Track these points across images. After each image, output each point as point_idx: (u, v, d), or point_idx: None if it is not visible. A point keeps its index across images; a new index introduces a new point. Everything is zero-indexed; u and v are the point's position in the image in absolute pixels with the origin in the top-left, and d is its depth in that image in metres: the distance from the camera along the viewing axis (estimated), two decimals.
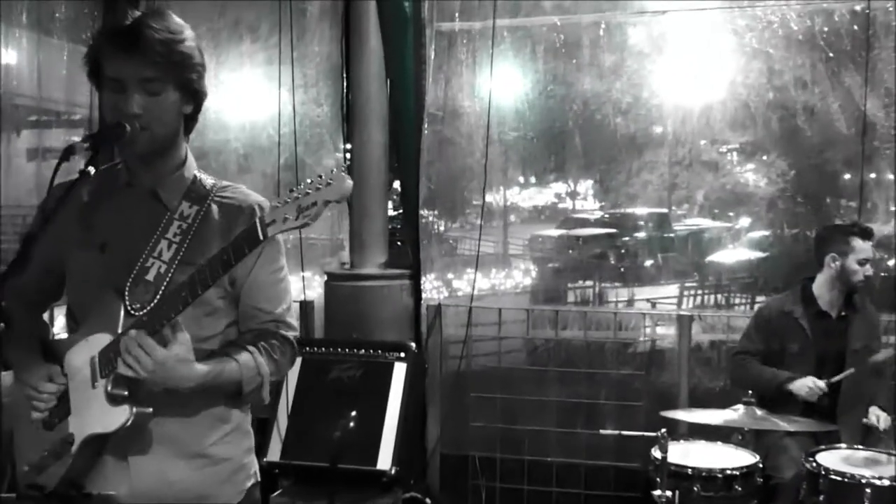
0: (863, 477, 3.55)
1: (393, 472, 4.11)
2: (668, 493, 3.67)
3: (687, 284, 7.13)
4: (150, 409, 2.06)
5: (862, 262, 4.20)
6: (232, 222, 2.16)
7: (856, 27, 4.74)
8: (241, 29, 5.25)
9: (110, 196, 2.21)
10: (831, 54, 4.91)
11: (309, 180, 1.88)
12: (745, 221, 6.27)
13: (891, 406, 4.17)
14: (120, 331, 2.04)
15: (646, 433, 3.79)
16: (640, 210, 6.99)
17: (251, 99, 5.32)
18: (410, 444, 4.53)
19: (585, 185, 6.92)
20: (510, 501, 5.07)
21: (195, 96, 2.18)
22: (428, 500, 4.64)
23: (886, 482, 3.52)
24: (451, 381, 5.13)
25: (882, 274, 5.11)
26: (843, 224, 4.48)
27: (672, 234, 6.66)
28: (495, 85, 5.13)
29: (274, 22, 4.94)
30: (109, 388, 2.03)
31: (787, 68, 5.04)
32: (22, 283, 2.20)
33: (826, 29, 4.82)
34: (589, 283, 7.20)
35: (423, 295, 5.13)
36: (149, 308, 2.04)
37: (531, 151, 5.75)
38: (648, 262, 6.46)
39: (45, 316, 2.44)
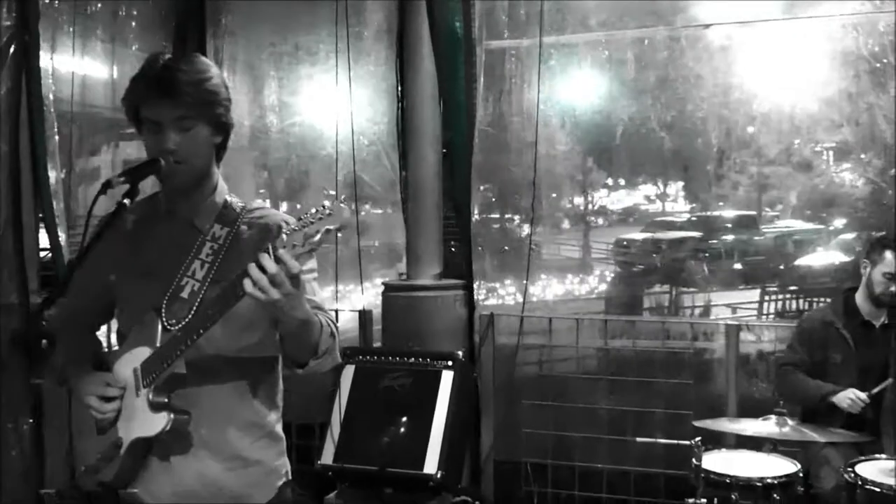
0: None
1: (439, 476, 4.28)
2: (703, 501, 3.76)
3: (769, 289, 7.06)
4: (188, 416, 2.27)
5: (889, 276, 4.19)
6: (260, 240, 2.32)
7: None
8: (301, 53, 5.51)
9: (151, 225, 2.43)
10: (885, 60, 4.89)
11: (314, 210, 2.05)
12: (838, 223, 6.20)
13: None
14: (158, 345, 2.26)
15: (681, 441, 3.85)
16: (728, 213, 6.96)
17: (311, 119, 5.57)
18: (460, 451, 4.68)
19: (675, 188, 6.92)
20: None
21: (223, 128, 2.39)
22: None
23: None
24: (503, 388, 5.26)
25: None
26: (886, 235, 4.45)
27: (760, 237, 6.60)
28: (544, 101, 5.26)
29: (332, 45, 5.14)
30: (151, 396, 2.25)
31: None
32: (74, 308, 2.45)
33: None
34: (665, 288, 7.22)
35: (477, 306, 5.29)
36: (183, 323, 2.25)
37: (616, 154, 5.81)
38: (731, 266, 6.41)
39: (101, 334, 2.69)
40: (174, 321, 2.28)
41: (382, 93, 5.44)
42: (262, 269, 2.05)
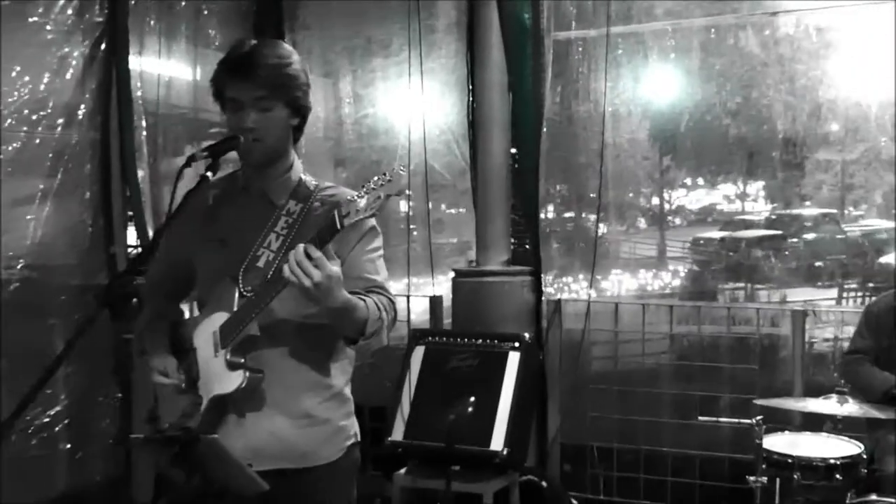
0: None
1: (505, 453, 4.41)
2: (764, 479, 3.80)
3: (847, 286, 7.00)
4: (261, 374, 2.45)
5: None
6: (331, 213, 2.50)
7: None
8: (374, 46, 5.68)
9: (230, 199, 2.63)
10: None
11: (375, 178, 2.21)
12: None
13: None
14: (235, 309, 2.45)
15: (742, 420, 3.91)
16: (810, 211, 6.92)
17: (384, 110, 5.75)
18: (525, 430, 4.80)
19: (756, 187, 6.87)
20: (627, 490, 5.27)
21: (301, 111, 2.56)
22: (544, 483, 4.92)
23: None
24: (570, 373, 5.37)
25: None
26: None
27: (842, 236, 6.53)
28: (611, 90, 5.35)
29: (404, 38, 5.30)
30: (228, 356, 2.44)
31: None
32: (157, 277, 2.66)
33: None
34: (740, 284, 7.21)
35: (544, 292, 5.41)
36: (258, 289, 2.42)
37: (691, 152, 5.83)
38: (810, 264, 6.35)
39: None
40: (250, 288, 2.46)
41: (453, 84, 5.58)
42: (308, 255, 2.21)
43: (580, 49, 5.42)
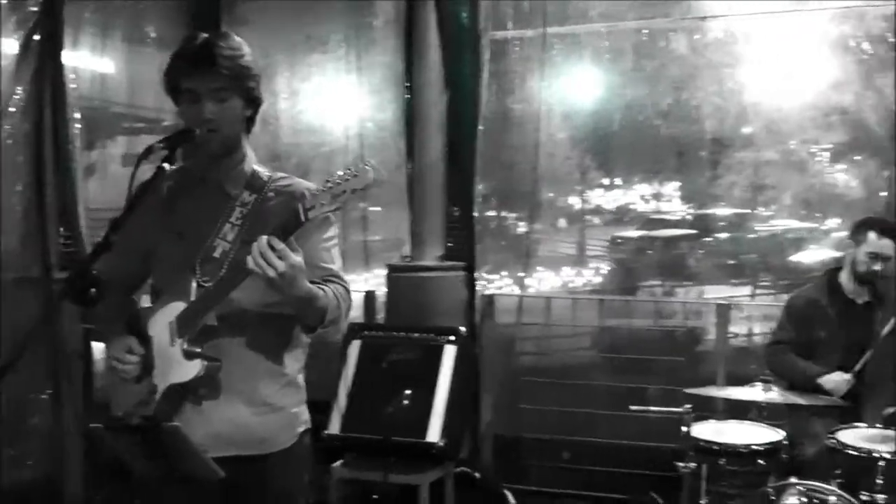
0: (877, 452, 3.78)
1: (442, 444, 4.48)
2: (693, 465, 3.96)
3: (760, 283, 7.26)
4: (219, 363, 2.49)
5: (872, 256, 4.36)
6: (287, 205, 2.53)
7: None
8: (313, 42, 5.71)
9: (185, 190, 2.65)
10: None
11: (340, 172, 2.26)
12: (832, 222, 6.31)
13: None
14: (192, 299, 2.48)
15: (673, 409, 4.05)
16: (723, 211, 7.13)
17: (321, 106, 5.78)
18: (461, 422, 4.89)
19: (671, 187, 7.06)
20: (557, 481, 5.39)
21: (254, 102, 2.61)
22: (477, 475, 5.02)
23: None
24: (503, 366, 5.48)
25: None
26: (870, 217, 4.64)
27: (754, 235, 6.74)
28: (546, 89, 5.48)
29: (342, 35, 5.37)
30: (185, 345, 2.47)
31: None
32: (114, 268, 2.65)
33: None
34: (658, 282, 7.43)
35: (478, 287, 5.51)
36: (217, 280, 2.46)
37: (611, 153, 6.00)
38: (724, 263, 6.57)
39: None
40: (207, 279, 2.50)
41: (390, 81, 5.65)
42: (271, 247, 2.26)
43: (517, 49, 5.54)
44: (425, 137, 5.47)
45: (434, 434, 4.50)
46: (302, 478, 2.76)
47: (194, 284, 2.49)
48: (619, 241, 8.39)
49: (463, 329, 4.86)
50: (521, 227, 6.02)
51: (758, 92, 5.51)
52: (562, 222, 7.25)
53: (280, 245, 2.27)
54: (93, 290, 2.21)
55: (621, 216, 8.06)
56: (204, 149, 2.54)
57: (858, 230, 4.47)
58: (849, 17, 5.06)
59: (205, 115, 2.47)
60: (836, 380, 4.28)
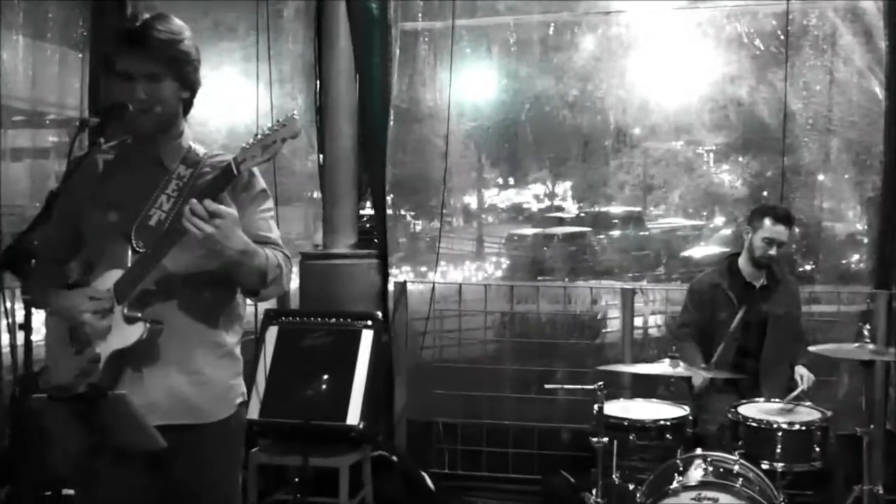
0: (776, 423, 4.03)
1: (361, 426, 4.54)
2: (605, 440, 4.13)
3: (657, 278, 7.53)
4: (161, 325, 2.51)
5: (767, 241, 4.61)
6: (219, 178, 2.55)
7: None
8: (221, 29, 5.66)
9: (122, 164, 2.66)
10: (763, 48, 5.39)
11: (268, 125, 2.35)
12: (718, 220, 6.58)
13: (810, 364, 4.62)
14: (129, 265, 2.49)
15: (585, 386, 4.20)
16: (616, 209, 7.33)
17: (231, 93, 5.72)
18: (378, 408, 4.96)
19: (564, 187, 7.22)
20: (470, 463, 5.53)
21: (192, 85, 2.63)
22: (395, 458, 5.09)
23: (796, 427, 4.01)
24: (415, 353, 5.57)
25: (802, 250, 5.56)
26: (766, 204, 4.91)
27: (646, 233, 6.96)
28: (455, 80, 5.59)
29: (252, 23, 5.35)
30: (125, 311, 2.48)
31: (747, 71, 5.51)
32: (48, 239, 2.63)
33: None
34: (556, 277, 7.62)
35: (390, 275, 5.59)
36: (153, 243, 2.47)
37: (508, 152, 6.13)
38: (620, 259, 6.77)
39: None
40: (142, 244, 2.52)
41: (300, 70, 5.65)
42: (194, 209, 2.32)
43: (426, 40, 5.63)
44: (336, 126, 5.52)
45: (353, 417, 4.56)
46: (238, 451, 2.80)
47: (130, 252, 2.51)
48: (516, 237, 8.57)
49: (379, 314, 4.92)
50: (419, 224, 6.12)
51: (651, 88, 5.73)
52: (459, 220, 7.37)
53: (213, 206, 2.32)
54: (32, 261, 2.19)
55: (517, 214, 8.25)
56: (136, 127, 2.56)
57: (754, 216, 4.73)
58: (744, 14, 5.33)
59: (137, 96, 2.48)
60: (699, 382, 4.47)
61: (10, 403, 4.67)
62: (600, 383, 4.09)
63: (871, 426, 4.21)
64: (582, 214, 7.25)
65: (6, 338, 4.76)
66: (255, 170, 2.57)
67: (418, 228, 6.54)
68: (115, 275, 2.51)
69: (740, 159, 6.13)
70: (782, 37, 5.17)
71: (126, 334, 2.47)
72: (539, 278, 7.53)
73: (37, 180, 5.75)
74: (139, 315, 2.47)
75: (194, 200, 2.33)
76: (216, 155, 2.70)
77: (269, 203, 2.72)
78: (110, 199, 2.60)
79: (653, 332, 6.18)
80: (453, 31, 5.46)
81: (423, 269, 6.01)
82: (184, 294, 2.57)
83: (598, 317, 5.95)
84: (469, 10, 5.56)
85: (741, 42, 5.33)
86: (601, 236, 7.43)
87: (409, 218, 6.38)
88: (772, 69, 5.29)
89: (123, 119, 2.50)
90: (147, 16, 2.53)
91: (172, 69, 2.51)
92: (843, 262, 5.53)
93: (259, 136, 2.35)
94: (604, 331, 6.04)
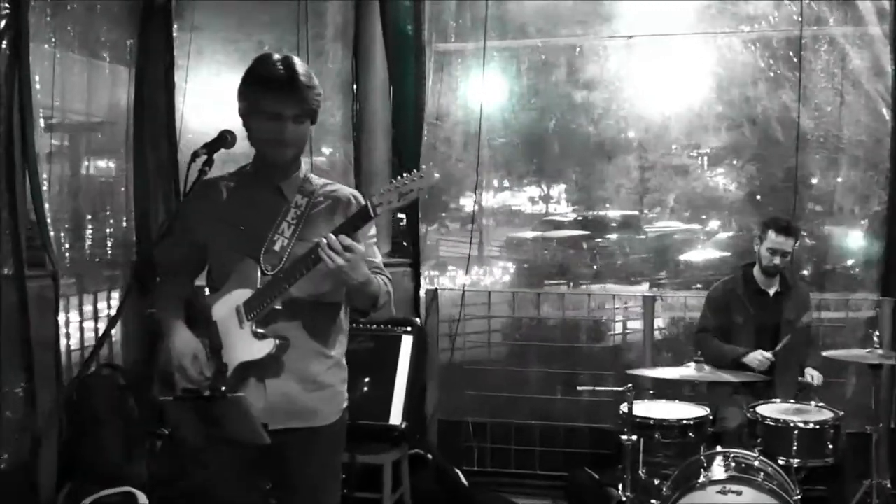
0: (792, 422, 4.35)
1: (403, 426, 4.85)
2: (634, 438, 4.43)
3: (658, 281, 7.77)
4: (288, 342, 2.82)
5: (772, 251, 4.93)
6: (334, 208, 2.93)
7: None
8: (265, 49, 5.92)
9: (246, 191, 2.95)
10: (778, 72, 5.73)
11: (405, 174, 2.61)
12: (714, 224, 6.68)
13: (821, 367, 4.94)
14: (259, 286, 2.80)
15: (615, 388, 4.51)
16: (613, 213, 7.56)
17: None
18: (418, 407, 5.26)
19: (558, 189, 7.42)
20: (498, 460, 5.85)
21: (315, 122, 2.93)
22: (429, 456, 5.40)
23: (811, 425, 4.33)
24: (445, 355, 5.89)
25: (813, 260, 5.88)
26: (773, 217, 5.22)
27: (643, 236, 7.16)
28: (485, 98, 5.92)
29: (293, 44, 5.63)
30: (254, 327, 2.80)
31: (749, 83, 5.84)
32: (178, 257, 2.99)
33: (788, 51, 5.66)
34: (563, 281, 7.87)
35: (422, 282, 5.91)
36: (281, 269, 2.78)
37: (510, 158, 6.42)
38: (620, 262, 6.98)
39: None
40: (269, 267, 2.83)
41: (338, 88, 5.94)
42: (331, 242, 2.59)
43: (459, 60, 5.95)
44: (371, 141, 5.85)
45: (396, 417, 4.86)
46: (342, 448, 3.13)
47: (259, 273, 2.81)
48: (515, 241, 8.80)
49: (418, 320, 5.23)
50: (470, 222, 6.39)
51: (668, 105, 6.06)
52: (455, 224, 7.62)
53: (348, 241, 2.62)
54: (157, 277, 2.49)
55: (512, 217, 8.48)
56: (278, 160, 2.86)
57: (762, 229, 5.06)
58: (760, 40, 5.67)
59: (286, 136, 2.78)
60: (759, 358, 4.82)
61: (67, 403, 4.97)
62: (629, 385, 4.40)
63: (880, 424, 4.55)
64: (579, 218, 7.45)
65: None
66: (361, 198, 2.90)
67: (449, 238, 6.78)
68: (242, 293, 2.82)
69: (754, 174, 6.36)
70: (795, 60, 5.50)
71: (254, 349, 2.79)
72: (547, 282, 7.78)
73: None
74: (263, 331, 2.77)
75: (332, 235, 2.61)
76: (327, 184, 3.01)
77: (374, 230, 3.03)
78: (237, 223, 2.90)
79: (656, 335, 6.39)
80: (485, 52, 5.78)
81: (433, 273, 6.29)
82: (305, 314, 2.87)
83: (604, 319, 6.21)
84: (500, 32, 5.89)
85: (757, 66, 5.67)
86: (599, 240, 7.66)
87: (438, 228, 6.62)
88: (785, 91, 5.61)
89: (227, 148, 2.81)
90: (284, 58, 2.81)
91: (311, 110, 2.82)
92: (851, 271, 5.83)
93: (396, 183, 2.59)
94: (609, 333, 6.32)
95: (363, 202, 2.90)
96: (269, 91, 2.77)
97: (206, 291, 2.98)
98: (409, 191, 2.59)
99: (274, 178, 2.93)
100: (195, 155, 2.74)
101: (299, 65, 2.82)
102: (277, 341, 2.79)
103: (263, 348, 2.78)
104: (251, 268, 2.83)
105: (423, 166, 2.67)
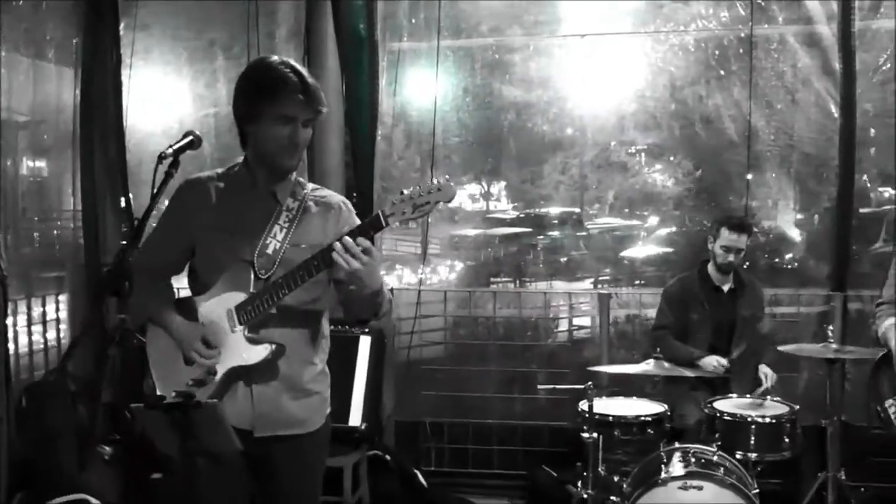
0: (749, 416, 4.41)
1: (363, 428, 4.82)
2: (595, 435, 4.45)
3: (601, 278, 7.85)
4: (284, 347, 2.76)
5: (725, 249, 4.98)
6: (325, 213, 2.88)
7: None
8: (216, 48, 5.84)
9: (236, 193, 2.88)
10: (722, 72, 5.82)
11: (420, 185, 2.52)
12: (653, 220, 6.75)
13: (775, 361, 5.01)
14: (252, 290, 2.73)
15: (576, 386, 4.52)
16: (554, 210, 7.60)
17: (225, 110, 5.92)
18: (377, 408, 5.22)
19: (499, 187, 7.44)
20: (456, 460, 5.84)
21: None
22: (388, 457, 5.37)
23: (768, 420, 4.40)
24: (401, 355, 5.86)
25: (765, 256, 5.98)
26: (726, 214, 5.29)
27: (585, 233, 7.21)
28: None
29: (245, 42, 5.55)
30: (246, 332, 2.73)
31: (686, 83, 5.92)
32: (158, 260, 2.92)
33: (717, 52, 5.73)
34: (509, 279, 7.89)
35: None
36: (276, 274, 2.72)
37: (464, 156, 6.43)
38: (564, 259, 7.01)
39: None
40: (263, 271, 2.76)
41: None
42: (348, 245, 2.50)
43: (412, 59, 5.92)
44: (325, 141, 5.76)
45: (356, 419, 4.84)
46: (326, 454, 3.08)
47: (252, 276, 2.75)
48: (456, 239, 8.80)
49: (375, 322, 5.18)
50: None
51: (623, 103, 6.11)
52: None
53: (366, 243, 2.53)
54: (127, 282, 2.43)
55: (452, 214, 8.48)
56: (286, 166, 2.80)
57: (714, 227, 5.11)
58: (711, 39, 5.75)
59: (300, 139, 2.74)
60: (714, 364, 4.85)
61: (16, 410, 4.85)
62: (589, 383, 4.41)
63: (834, 418, 4.64)
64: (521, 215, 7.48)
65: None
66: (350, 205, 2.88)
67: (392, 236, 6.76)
68: (233, 296, 2.75)
69: (691, 170, 6.45)
70: (747, 58, 5.58)
71: (248, 354, 2.73)
72: (492, 279, 7.78)
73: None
74: (258, 336, 2.72)
75: (347, 238, 2.52)
76: (315, 189, 2.96)
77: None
78: (228, 226, 2.82)
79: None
80: (438, 51, 5.76)
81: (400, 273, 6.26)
82: (295, 321, 2.81)
83: (551, 316, 6.25)
84: (454, 31, 5.87)
85: (709, 64, 5.74)
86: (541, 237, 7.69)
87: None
88: (737, 88, 5.69)
89: (193, 150, 2.75)
90: (291, 63, 2.76)
91: (318, 115, 2.77)
92: (803, 266, 5.94)
93: (410, 195, 2.50)
94: (555, 330, 6.35)
95: (352, 210, 2.90)
96: (282, 96, 2.70)
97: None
98: (425, 203, 2.50)
99: (270, 182, 2.87)
100: (161, 157, 2.66)
101: (303, 68, 2.78)
102: (273, 347, 2.73)
103: (258, 354, 2.73)
104: (244, 270, 2.77)
105: (442, 179, 2.54)
